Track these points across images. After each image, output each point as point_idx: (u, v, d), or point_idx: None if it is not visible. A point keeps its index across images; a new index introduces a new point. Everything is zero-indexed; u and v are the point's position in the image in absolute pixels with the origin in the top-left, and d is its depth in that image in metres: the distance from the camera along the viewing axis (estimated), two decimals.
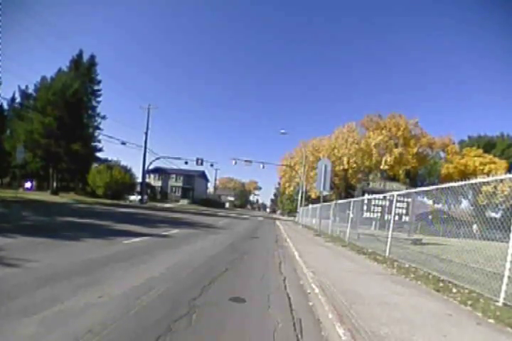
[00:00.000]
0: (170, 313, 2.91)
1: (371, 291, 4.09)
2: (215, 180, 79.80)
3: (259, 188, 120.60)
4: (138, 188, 40.41)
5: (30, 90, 34.72)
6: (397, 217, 10.34)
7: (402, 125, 39.11)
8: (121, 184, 34.00)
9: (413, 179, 42.34)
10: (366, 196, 14.31)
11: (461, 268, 5.88)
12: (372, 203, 13.36)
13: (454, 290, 4.40)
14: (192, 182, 65.56)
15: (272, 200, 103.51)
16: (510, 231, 3.72)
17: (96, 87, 34.56)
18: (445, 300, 3.95)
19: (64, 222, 10.10)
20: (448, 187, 5.62)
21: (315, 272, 5.02)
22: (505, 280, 3.68)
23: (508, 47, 50.96)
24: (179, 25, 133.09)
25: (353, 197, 18.95)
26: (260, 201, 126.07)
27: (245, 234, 12.69)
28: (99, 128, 34.39)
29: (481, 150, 42.06)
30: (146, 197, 39.04)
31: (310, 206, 24.67)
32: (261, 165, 37.29)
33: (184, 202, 55.40)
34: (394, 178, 35.65)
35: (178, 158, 44.64)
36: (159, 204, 38.68)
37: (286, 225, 21.96)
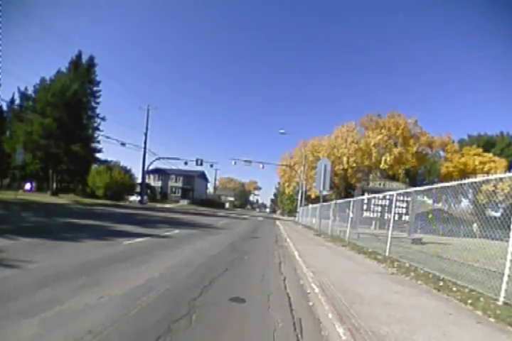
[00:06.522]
0: (170, 314, 2.90)
1: (371, 291, 4.09)
2: (215, 180, 79.97)
3: (259, 188, 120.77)
4: (138, 189, 40.35)
5: (30, 91, 34.68)
6: (397, 217, 10.35)
7: (402, 124, 39.11)
8: (121, 185, 33.94)
9: (413, 178, 42.38)
10: (366, 195, 14.31)
11: (462, 267, 5.87)
12: (372, 203, 13.38)
13: (454, 289, 4.40)
14: (192, 183, 65.54)
15: (272, 200, 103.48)
16: (510, 229, 3.72)
17: (95, 88, 34.54)
18: (445, 299, 3.95)
19: (64, 223, 10.10)
20: (447, 186, 5.62)
21: (315, 272, 5.02)
22: (506, 278, 3.68)
23: (508, 46, 50.94)
24: (178, 25, 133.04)
25: (352, 196, 18.96)
26: (260, 201, 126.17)
27: (245, 234, 12.68)
28: (98, 129, 34.41)
29: (480, 149, 42.05)
30: (145, 197, 39.02)
31: (310, 206, 24.67)
32: (261, 165, 37.38)
33: (184, 202, 55.37)
34: (394, 178, 35.63)
35: (178, 159, 44.38)
36: (159, 205, 38.67)
37: (286, 225, 21.96)
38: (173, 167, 49.93)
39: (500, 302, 3.70)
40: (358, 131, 39.37)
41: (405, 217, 12.82)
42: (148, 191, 49.65)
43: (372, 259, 7.20)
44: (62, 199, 25.55)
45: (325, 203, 16.39)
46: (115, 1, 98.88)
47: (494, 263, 4.85)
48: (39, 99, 30.44)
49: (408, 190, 8.84)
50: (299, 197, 33.30)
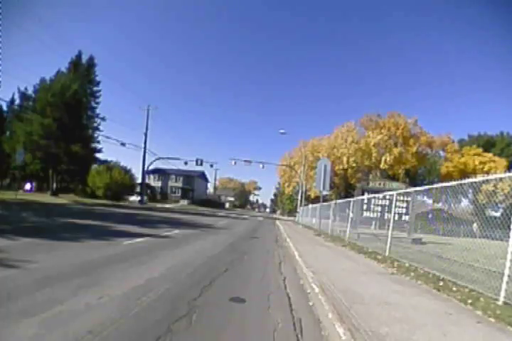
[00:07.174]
0: (170, 314, 2.91)
1: (371, 290, 4.09)
2: (215, 180, 79.94)
3: (259, 188, 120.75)
4: (138, 189, 40.34)
5: (30, 92, 34.77)
6: (397, 217, 10.35)
7: (401, 124, 39.15)
8: (121, 185, 33.91)
9: (413, 178, 42.38)
10: (366, 195, 14.31)
11: (462, 267, 5.88)
12: (372, 203, 13.37)
13: (454, 289, 4.40)
14: (192, 183, 65.53)
15: (271, 200, 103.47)
16: (510, 229, 3.72)
17: (95, 88, 34.59)
18: (445, 299, 3.95)
19: (64, 223, 10.10)
20: (447, 186, 5.63)
21: (315, 272, 5.02)
22: (506, 278, 3.68)
23: (507, 46, 50.94)
24: (178, 25, 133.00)
25: (352, 196, 18.95)
26: (260, 201, 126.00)
27: (245, 234, 12.68)
28: (98, 129, 34.47)
29: (480, 149, 42.07)
30: (145, 197, 39.00)
31: (310, 206, 24.68)
32: (261, 165, 37.32)
33: (184, 202, 55.36)
34: (394, 177, 35.67)
35: (178, 159, 44.11)
36: (159, 205, 38.67)
37: (286, 225, 21.96)
38: (173, 167, 49.90)
39: (500, 302, 3.70)
40: (358, 131, 39.46)
41: (405, 217, 12.81)
42: (148, 191, 49.62)
43: (372, 259, 7.20)
44: (62, 200, 25.55)
45: (325, 203, 16.39)
46: (115, 1, 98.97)
47: (494, 263, 4.86)
48: (39, 99, 30.44)
49: (408, 190, 8.85)
50: (299, 197, 33.29)
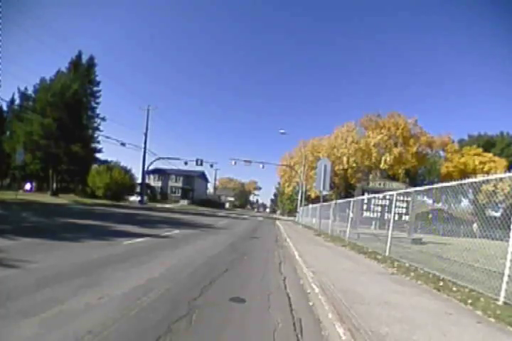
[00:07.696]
0: (170, 314, 2.90)
1: (371, 291, 4.09)
2: (215, 180, 79.88)
3: (259, 188, 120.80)
4: (138, 189, 40.33)
5: (30, 92, 34.73)
6: (397, 217, 10.34)
7: (401, 124, 39.12)
8: (121, 185, 33.90)
9: (413, 178, 42.37)
10: (366, 195, 14.31)
11: (462, 267, 5.88)
12: (372, 203, 13.36)
13: (455, 289, 4.40)
14: (192, 183, 65.55)
15: (271, 200, 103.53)
16: (510, 229, 3.72)
17: (95, 88, 34.55)
18: (445, 299, 3.95)
19: (64, 223, 10.10)
20: (447, 186, 5.63)
21: (315, 272, 5.02)
22: (506, 278, 3.68)
23: (507, 46, 50.97)
24: (178, 25, 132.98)
25: (352, 196, 18.95)
26: (260, 201, 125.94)
27: (245, 234, 12.68)
28: (98, 129, 34.48)
29: (480, 149, 42.06)
30: (145, 197, 38.99)
31: (310, 206, 24.68)
32: (261, 165, 37.35)
33: (184, 202, 55.37)
34: (394, 177, 35.64)
35: (178, 159, 43.98)
36: (159, 205, 38.66)
37: (286, 225, 21.96)
38: (173, 167, 49.89)
39: (500, 302, 3.70)
40: (358, 131, 39.38)
41: (405, 217, 12.79)
42: (148, 191, 49.61)
43: (372, 259, 7.20)
44: (62, 200, 25.54)
45: (325, 203, 16.39)
46: (115, 1, 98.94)
47: (494, 263, 4.86)
48: (39, 99, 30.44)
49: (408, 190, 8.84)
50: (299, 197, 33.31)
